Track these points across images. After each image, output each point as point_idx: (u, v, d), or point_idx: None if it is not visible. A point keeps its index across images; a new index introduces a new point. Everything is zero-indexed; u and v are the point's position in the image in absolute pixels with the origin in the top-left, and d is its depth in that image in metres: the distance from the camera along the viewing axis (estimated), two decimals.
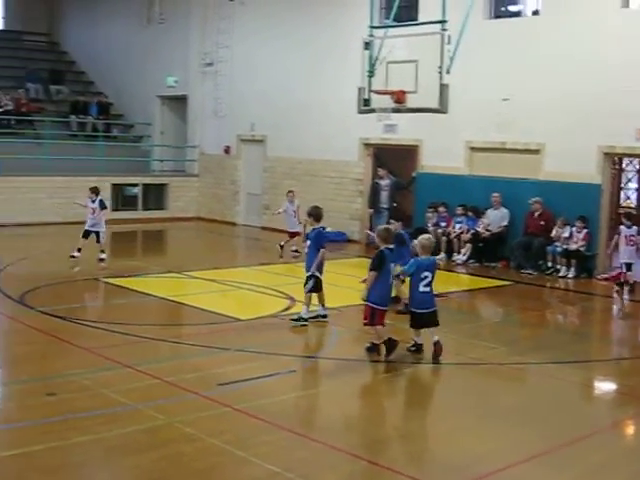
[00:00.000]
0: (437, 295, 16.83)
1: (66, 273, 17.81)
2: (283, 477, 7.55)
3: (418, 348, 11.93)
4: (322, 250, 13.58)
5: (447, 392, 10.65)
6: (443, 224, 22.13)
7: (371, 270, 11.54)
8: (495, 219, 21.21)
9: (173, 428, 8.64)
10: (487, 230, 21.14)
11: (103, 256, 19.24)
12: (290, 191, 22.74)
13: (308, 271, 13.64)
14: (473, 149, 22.39)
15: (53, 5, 38.12)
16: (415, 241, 12.43)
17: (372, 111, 19.55)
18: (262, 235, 26.18)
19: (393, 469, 7.88)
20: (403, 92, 18.57)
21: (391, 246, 11.92)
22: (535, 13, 21.80)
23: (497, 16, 22.30)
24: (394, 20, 20.97)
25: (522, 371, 11.86)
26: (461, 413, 9.65)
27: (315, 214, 14.16)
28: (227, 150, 29.28)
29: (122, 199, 29.06)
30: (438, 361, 11.63)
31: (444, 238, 21.78)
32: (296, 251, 21.13)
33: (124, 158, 29.77)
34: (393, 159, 24.79)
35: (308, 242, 13.90)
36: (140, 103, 32.50)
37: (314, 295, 13.74)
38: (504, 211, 21.08)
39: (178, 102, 31.52)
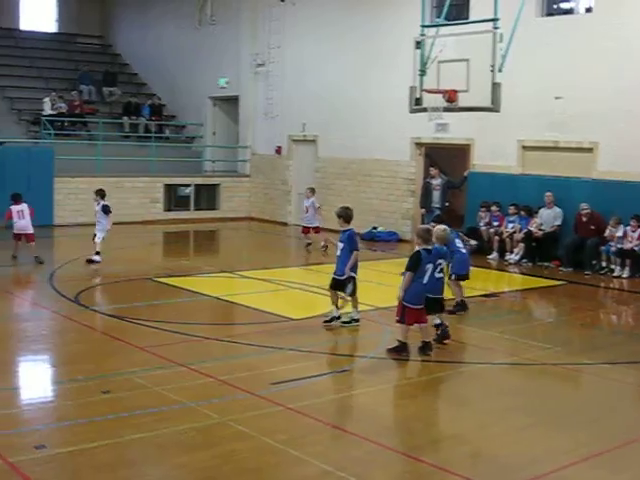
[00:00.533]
0: (489, 295, 16.87)
1: (119, 273, 17.97)
2: (335, 476, 7.55)
3: (443, 328, 12.52)
4: (355, 252, 13.28)
5: (501, 392, 10.57)
6: (495, 223, 21.98)
7: (407, 270, 11.66)
8: (548, 218, 21.01)
9: (226, 426, 8.68)
10: (540, 229, 20.95)
11: (95, 258, 19.09)
12: (308, 188, 23.14)
13: (337, 273, 13.34)
14: (525, 148, 22.22)
15: (106, 8, 38.53)
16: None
17: (424, 110, 19.51)
18: (313, 235, 26.16)
19: (446, 469, 7.85)
20: (455, 91, 18.52)
21: (430, 247, 11.87)
22: (588, 10, 21.57)
23: (549, 14, 22.11)
24: (445, 19, 20.90)
25: (576, 372, 11.74)
26: (515, 414, 9.58)
27: (345, 215, 13.55)
28: (278, 150, 29.36)
29: (174, 199, 29.33)
30: (442, 343, 12.34)
31: (496, 238, 21.65)
32: (324, 246, 21.60)
33: (176, 159, 30.01)
34: (445, 158, 24.70)
35: (340, 244, 13.41)
36: (192, 104, 32.74)
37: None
38: (557, 210, 20.87)
39: (230, 103, 31.70)
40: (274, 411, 9.23)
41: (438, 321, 12.56)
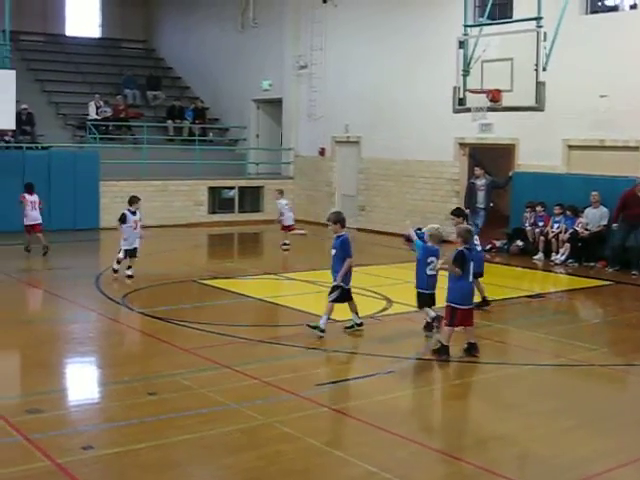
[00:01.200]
0: (534, 296, 16.75)
1: (165, 275, 18.08)
2: (381, 477, 7.54)
3: (438, 319, 12.80)
4: (349, 260, 12.79)
5: (547, 394, 10.49)
6: (541, 224, 21.82)
7: (456, 267, 11.63)
8: (594, 218, 20.81)
9: (272, 428, 8.71)
10: (586, 229, 20.75)
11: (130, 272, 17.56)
12: (277, 190, 23.64)
13: (335, 279, 12.96)
14: (571, 147, 22.04)
15: (149, 13, 38.82)
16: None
17: (467, 110, 19.46)
18: (358, 236, 26.13)
19: (492, 471, 7.80)
20: (499, 91, 18.45)
21: (469, 246, 11.95)
22: (633, 7, 21.36)
23: (594, 11, 21.92)
24: (488, 18, 20.82)
25: (623, 373, 11.63)
26: (561, 415, 9.51)
27: (341, 220, 13.15)
28: (322, 152, 29.39)
29: (218, 202, 29.48)
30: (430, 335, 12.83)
31: (542, 238, 21.50)
32: (284, 244, 22.18)
33: (220, 161, 30.15)
34: (489, 158, 24.58)
35: (333, 250, 13.03)
36: (235, 107, 32.89)
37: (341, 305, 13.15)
38: (603, 210, 20.66)
39: (273, 105, 31.79)
40: (319, 412, 9.24)
41: (433, 314, 12.96)
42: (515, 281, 18.44)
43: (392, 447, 8.40)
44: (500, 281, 18.18)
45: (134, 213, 17.80)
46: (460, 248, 11.86)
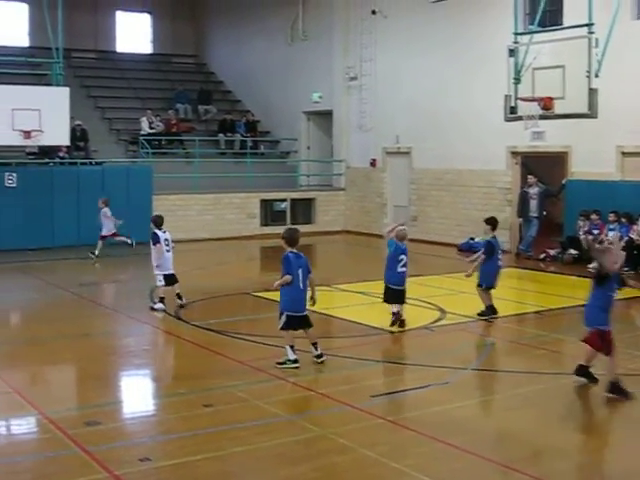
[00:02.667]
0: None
1: (218, 288, 18.18)
2: None
3: (397, 318, 13.82)
4: (286, 277, 11.61)
5: (603, 404, 10.36)
6: (595, 232, 21.57)
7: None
8: None
9: (327, 439, 8.71)
10: None
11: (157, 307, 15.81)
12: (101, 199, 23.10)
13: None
14: (625, 154, 21.78)
15: (199, 28, 39.13)
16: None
17: (519, 119, 19.35)
18: (410, 247, 25.97)
19: None
20: (550, 98, 18.32)
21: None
22: None
23: None
24: (539, 26, 20.67)
25: None
26: (620, 426, 9.39)
27: (283, 236, 12.25)
28: (373, 163, 29.38)
29: (271, 214, 29.57)
30: (401, 328, 13.73)
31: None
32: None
33: (272, 174, 30.26)
34: (541, 166, 24.40)
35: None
36: (286, 119, 33.00)
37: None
38: None
39: (323, 117, 31.86)
40: (374, 424, 9.22)
41: (395, 310, 13.91)
42: (570, 290, 18.24)
43: (448, 458, 8.36)
44: (555, 290, 18.03)
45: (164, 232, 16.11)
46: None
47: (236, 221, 28.38)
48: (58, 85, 24.78)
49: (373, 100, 29.15)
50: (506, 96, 19.50)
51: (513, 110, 19.47)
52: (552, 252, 22.78)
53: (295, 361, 11.49)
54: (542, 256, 22.52)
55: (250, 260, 24.96)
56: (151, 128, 30.42)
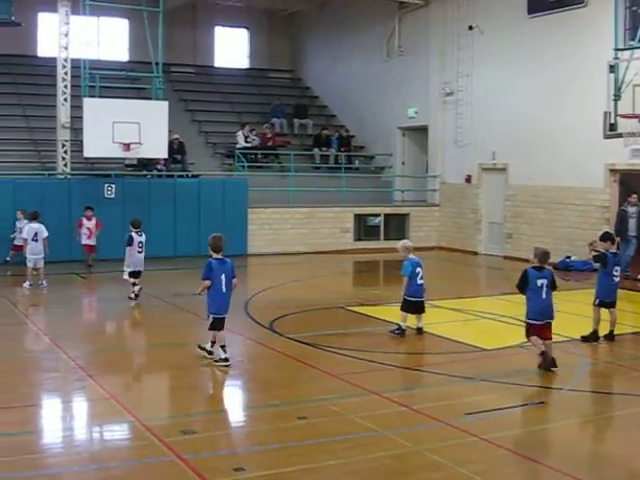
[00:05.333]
0: None
1: (312, 301, 18.24)
2: None
3: (402, 332, 14.49)
4: (205, 282, 12.37)
5: None
6: None
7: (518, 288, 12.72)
8: None
9: (420, 456, 8.66)
10: None
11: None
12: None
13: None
14: None
15: (296, 43, 39.45)
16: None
17: (619, 136, 19.04)
18: (505, 264, 25.86)
19: None
20: None
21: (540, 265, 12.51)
22: None
23: None
24: None
25: None
26: None
27: (208, 243, 12.73)
28: (468, 179, 29.17)
29: (364, 229, 29.58)
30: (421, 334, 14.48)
31: None
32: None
33: (366, 189, 30.29)
34: None
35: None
36: (381, 134, 33.03)
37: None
38: None
39: (419, 132, 31.78)
40: (469, 441, 9.13)
41: (421, 324, 14.70)
42: None
43: (542, 479, 8.22)
44: None
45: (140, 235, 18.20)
46: (528, 267, 12.60)
47: (330, 235, 28.48)
48: (157, 99, 25.31)
49: (469, 116, 28.97)
50: (605, 113, 19.20)
51: (613, 127, 19.17)
52: None
53: (226, 360, 12.34)
54: None
55: (343, 274, 25.01)
56: (247, 142, 30.73)
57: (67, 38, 25.55)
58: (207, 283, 12.37)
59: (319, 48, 37.54)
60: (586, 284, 20.44)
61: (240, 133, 30.77)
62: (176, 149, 28.01)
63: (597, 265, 14.83)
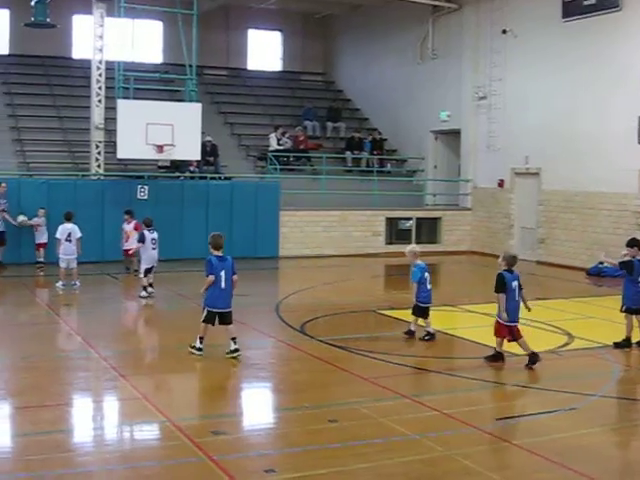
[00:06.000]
0: None
1: (343, 304, 18.23)
2: None
3: (432, 336, 14.55)
4: (209, 278, 12.89)
5: None
6: None
7: (496, 292, 12.97)
8: None
9: (452, 460, 8.62)
10: None
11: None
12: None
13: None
14: None
15: (329, 46, 39.48)
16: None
17: None
18: (537, 269, 25.70)
19: None
20: None
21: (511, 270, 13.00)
22: None
23: None
24: None
25: None
26: None
27: (212, 242, 13.15)
28: (501, 184, 29.03)
29: (395, 232, 29.53)
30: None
31: None
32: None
33: (398, 192, 30.24)
34: None
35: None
36: (413, 138, 32.97)
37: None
38: None
39: (451, 136, 31.70)
40: (500, 447, 9.09)
41: (431, 329, 14.65)
42: None
43: None
44: None
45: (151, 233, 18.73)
46: (500, 271, 13.02)
47: (361, 238, 28.47)
48: (191, 101, 25.43)
49: (502, 120, 28.85)
50: None
51: None
52: None
53: (200, 349, 12.97)
54: None
55: (375, 277, 24.97)
56: (279, 145, 30.77)
57: (102, 40, 25.73)
58: (211, 279, 12.82)
59: (352, 51, 37.54)
60: (618, 290, 20.25)
61: (272, 136, 30.81)
62: (209, 151, 28.11)
63: (623, 272, 14.70)
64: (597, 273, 23.90)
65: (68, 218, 19.99)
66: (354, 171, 31.78)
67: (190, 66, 25.33)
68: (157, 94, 28.64)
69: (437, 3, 31.15)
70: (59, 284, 19.68)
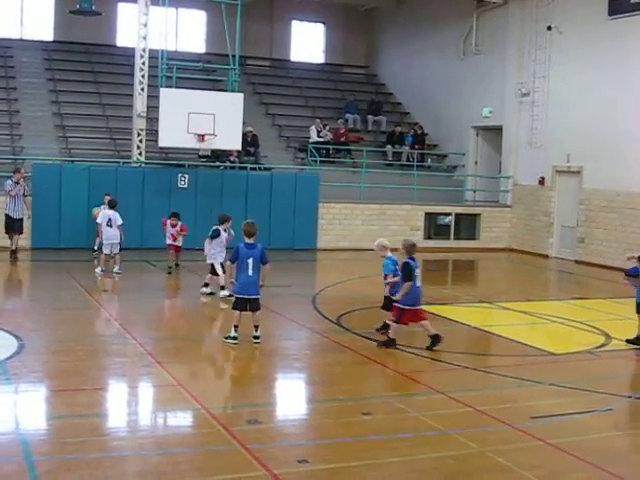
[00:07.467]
0: None
1: (379, 298, 18.17)
2: None
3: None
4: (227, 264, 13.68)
5: None
6: None
7: (404, 281, 13.26)
8: None
9: (485, 457, 8.60)
10: None
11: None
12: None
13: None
14: None
15: (371, 39, 39.40)
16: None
17: None
18: (576, 269, 25.55)
19: None
20: None
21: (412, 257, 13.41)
22: None
23: None
24: None
25: None
26: None
27: (244, 230, 13.45)
28: (542, 181, 28.85)
29: (434, 228, 29.47)
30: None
31: None
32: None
33: (437, 187, 30.13)
34: None
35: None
36: (455, 133, 32.84)
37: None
38: None
39: (493, 132, 31.54)
40: (534, 445, 9.04)
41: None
42: None
43: None
44: None
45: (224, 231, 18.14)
46: (404, 259, 13.37)
47: (400, 232, 28.25)
48: (233, 91, 25.50)
49: (544, 117, 28.66)
50: None
51: None
52: None
53: (235, 338, 13.13)
54: None
55: None
56: (320, 137, 30.77)
57: (146, 28, 25.85)
58: (232, 266, 13.36)
59: (395, 44, 37.44)
60: None
61: (313, 128, 30.81)
62: (249, 141, 28.17)
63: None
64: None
65: (112, 205, 20.09)
66: (394, 165, 31.71)
67: (233, 56, 25.37)
68: (199, 84, 28.74)
69: None
70: (98, 270, 19.84)
